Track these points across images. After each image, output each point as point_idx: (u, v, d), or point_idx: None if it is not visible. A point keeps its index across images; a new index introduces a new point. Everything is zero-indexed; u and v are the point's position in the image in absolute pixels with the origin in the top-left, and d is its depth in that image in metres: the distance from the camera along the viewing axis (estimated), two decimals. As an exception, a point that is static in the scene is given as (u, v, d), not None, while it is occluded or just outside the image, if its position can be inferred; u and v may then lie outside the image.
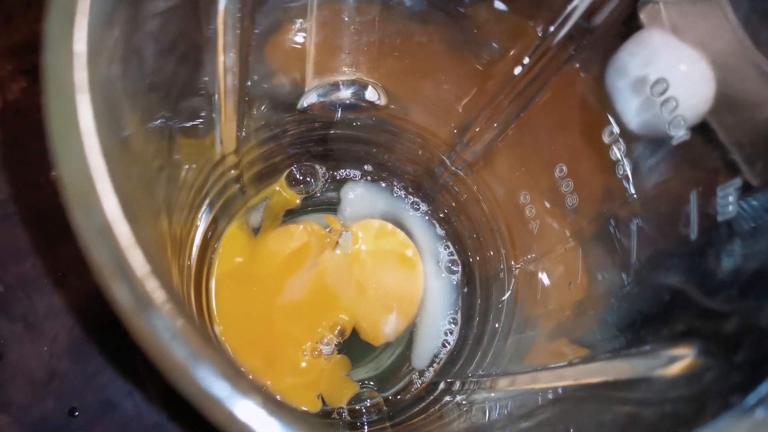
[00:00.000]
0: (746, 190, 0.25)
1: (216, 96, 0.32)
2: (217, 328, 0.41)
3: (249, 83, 0.34)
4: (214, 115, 0.33)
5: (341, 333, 0.43)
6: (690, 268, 0.27)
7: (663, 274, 0.28)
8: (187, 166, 0.34)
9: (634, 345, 0.27)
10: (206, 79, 0.31)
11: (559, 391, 0.29)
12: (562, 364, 0.31)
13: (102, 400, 0.43)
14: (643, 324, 0.28)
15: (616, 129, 0.30)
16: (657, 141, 0.29)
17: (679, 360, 0.23)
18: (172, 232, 0.33)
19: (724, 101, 0.27)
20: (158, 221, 0.30)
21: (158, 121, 0.27)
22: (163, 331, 0.14)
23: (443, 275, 0.45)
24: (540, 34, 0.32)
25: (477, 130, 0.38)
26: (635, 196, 0.30)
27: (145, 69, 0.24)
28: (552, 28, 0.31)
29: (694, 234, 0.27)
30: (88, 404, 0.43)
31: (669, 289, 0.28)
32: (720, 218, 0.25)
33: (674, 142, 0.28)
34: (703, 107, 0.27)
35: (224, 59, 0.30)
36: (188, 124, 0.32)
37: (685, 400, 0.22)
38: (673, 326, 0.26)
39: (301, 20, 0.34)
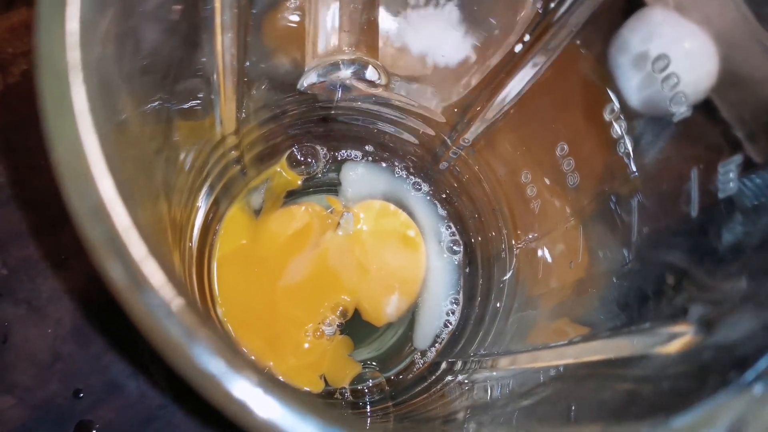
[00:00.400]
0: (748, 167, 0.25)
1: (215, 76, 0.32)
2: (220, 310, 0.41)
3: (248, 63, 0.34)
4: (212, 96, 0.33)
5: (343, 314, 0.43)
6: (691, 246, 0.27)
7: (664, 251, 0.28)
8: (186, 148, 0.34)
9: (635, 323, 0.27)
10: (204, 59, 0.31)
11: (561, 369, 0.29)
12: (562, 342, 0.31)
13: (106, 381, 0.43)
14: (644, 301, 0.28)
15: (617, 106, 0.30)
16: (658, 118, 0.29)
17: (679, 337, 0.23)
18: (172, 215, 0.33)
19: (728, 78, 0.27)
20: (157, 204, 0.30)
21: (155, 103, 0.27)
22: (158, 310, 0.14)
23: (445, 255, 0.45)
24: (540, 11, 0.32)
25: (477, 109, 0.38)
26: (636, 173, 0.30)
27: (141, 49, 0.24)
28: (552, 4, 0.30)
29: (694, 211, 0.27)
30: (92, 386, 0.43)
31: (670, 267, 0.28)
32: (721, 195, 0.25)
33: (675, 119, 0.28)
34: (705, 84, 0.27)
35: (222, 39, 0.30)
36: (187, 106, 0.32)
37: (683, 376, 0.22)
38: (674, 303, 0.26)
39: (299, -1, 0.34)
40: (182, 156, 0.34)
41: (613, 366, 0.26)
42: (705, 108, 0.28)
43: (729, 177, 0.25)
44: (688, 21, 0.28)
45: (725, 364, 0.20)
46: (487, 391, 0.34)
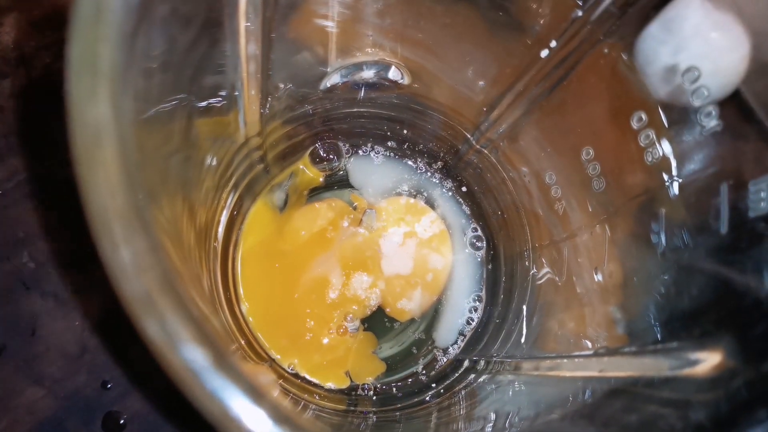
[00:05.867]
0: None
1: (239, 82, 0.32)
2: (244, 307, 0.41)
3: (271, 67, 0.33)
4: (238, 102, 0.33)
5: (367, 309, 0.43)
6: (721, 263, 0.27)
7: (695, 268, 0.28)
8: (212, 153, 0.34)
9: (662, 341, 0.27)
10: (229, 65, 0.31)
11: (586, 383, 0.29)
12: (586, 353, 0.31)
13: (133, 373, 0.43)
14: (673, 320, 0.27)
15: (644, 115, 0.30)
16: (688, 129, 0.29)
17: (706, 361, 0.23)
18: (197, 219, 0.34)
19: (758, 68, 0.26)
20: (183, 211, 0.30)
21: (183, 116, 0.27)
22: (194, 366, 0.14)
23: (467, 251, 0.45)
24: (580, 3, 0.31)
25: (503, 109, 0.37)
26: (665, 184, 0.30)
27: (167, 52, 0.24)
28: (580, 12, 0.30)
29: (724, 228, 0.26)
30: (119, 377, 0.43)
31: (701, 285, 0.27)
32: (752, 214, 0.25)
33: (705, 132, 0.27)
34: (730, 79, 0.27)
35: (246, 44, 0.30)
36: (213, 113, 0.32)
37: (710, 405, 0.22)
38: (703, 325, 0.26)
39: (323, 2, 0.34)
40: (208, 160, 0.34)
41: (640, 385, 0.26)
42: (737, 121, 0.27)
43: (760, 196, 0.25)
44: (717, 11, 0.27)
45: (755, 397, 0.20)
46: (511, 397, 0.34)
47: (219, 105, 0.32)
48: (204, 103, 0.30)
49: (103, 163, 0.15)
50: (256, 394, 0.15)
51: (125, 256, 0.15)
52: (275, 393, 0.26)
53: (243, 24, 0.28)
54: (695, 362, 0.24)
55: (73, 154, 0.16)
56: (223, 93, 0.31)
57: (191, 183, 0.31)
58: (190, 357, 0.15)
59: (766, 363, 0.21)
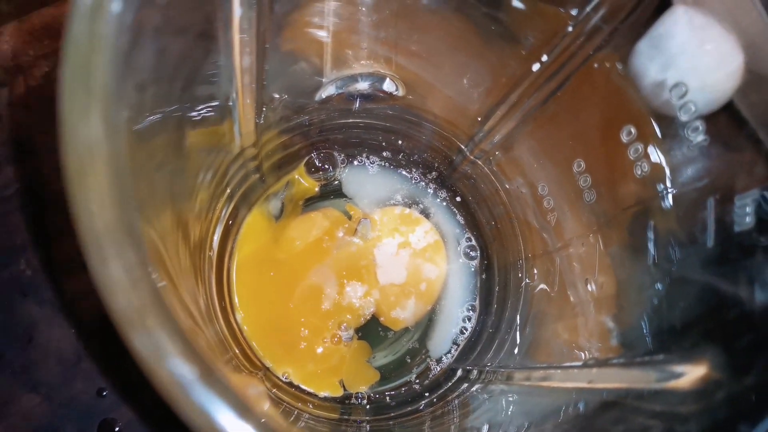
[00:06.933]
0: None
1: (234, 93, 0.33)
2: (238, 316, 0.41)
3: (266, 78, 0.34)
4: (232, 109, 0.34)
5: (361, 318, 0.43)
6: (708, 276, 0.27)
7: (681, 278, 0.28)
8: (207, 164, 0.34)
9: (650, 353, 0.27)
10: (224, 76, 0.31)
11: (578, 394, 0.29)
12: (576, 364, 0.31)
13: (129, 380, 0.44)
14: (660, 332, 0.28)
15: (634, 129, 0.30)
16: (677, 142, 0.29)
17: (690, 374, 0.24)
18: (192, 229, 0.34)
19: (751, 79, 0.27)
20: (176, 221, 0.30)
21: (174, 122, 0.28)
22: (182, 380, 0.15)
23: (461, 261, 0.45)
24: (574, 14, 0.31)
25: (496, 120, 0.38)
26: (656, 197, 0.30)
27: (160, 66, 0.24)
28: (570, 28, 0.30)
29: (710, 241, 0.27)
30: (115, 385, 0.43)
31: (686, 295, 0.28)
32: (737, 228, 0.25)
33: (692, 146, 0.28)
34: (718, 95, 0.27)
35: (241, 56, 0.30)
36: (207, 126, 0.32)
37: (694, 418, 0.22)
38: (691, 335, 0.26)
39: (318, 14, 0.34)
40: (203, 171, 0.34)
41: (630, 398, 0.26)
42: (729, 133, 0.27)
43: (745, 211, 0.25)
44: (711, 23, 0.28)
45: (738, 411, 0.21)
46: (503, 407, 0.34)
47: (213, 116, 0.32)
48: (198, 115, 0.31)
49: (94, 179, 0.16)
50: (243, 409, 0.15)
51: (114, 271, 0.15)
52: (265, 405, 0.26)
53: (237, 36, 0.28)
54: (680, 375, 0.24)
55: (65, 171, 0.16)
56: (217, 104, 0.31)
57: (185, 194, 0.32)
58: (177, 371, 0.15)
59: (750, 376, 0.21)
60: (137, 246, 0.16)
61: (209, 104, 0.32)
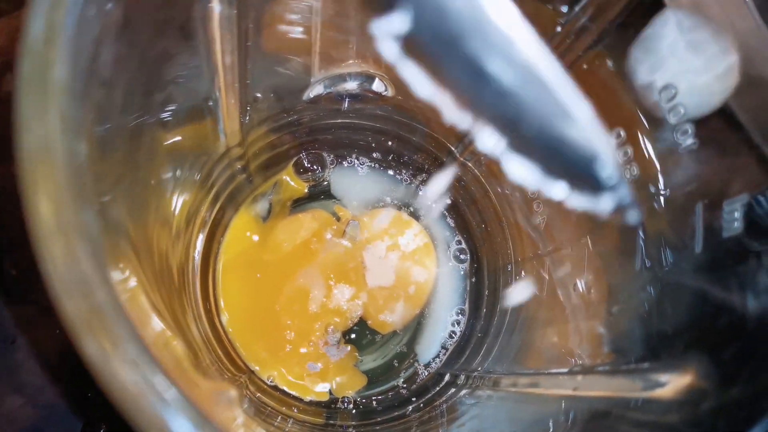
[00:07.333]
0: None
1: (217, 92, 0.32)
2: (224, 318, 0.41)
3: (249, 76, 0.33)
4: (215, 108, 0.33)
5: (349, 321, 0.43)
6: (696, 282, 0.26)
7: (670, 284, 0.28)
8: (189, 161, 0.34)
9: (635, 361, 0.26)
10: (205, 75, 0.30)
11: (565, 402, 0.29)
12: (563, 371, 0.30)
13: (114, 383, 0.43)
14: (646, 340, 0.27)
15: (623, 133, 0.30)
16: (666, 146, 0.28)
17: (674, 383, 0.23)
18: (174, 229, 0.33)
19: (747, 82, 0.26)
20: (154, 221, 0.30)
21: (149, 121, 0.27)
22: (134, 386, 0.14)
23: (451, 264, 0.44)
24: (564, 11, 0.31)
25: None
26: (644, 201, 0.30)
27: (129, 63, 0.24)
28: (559, 28, 0.29)
29: (699, 247, 0.26)
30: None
31: (676, 301, 0.27)
32: (725, 234, 0.25)
33: (682, 150, 0.27)
34: (707, 98, 0.26)
35: (222, 54, 0.30)
36: (187, 118, 0.31)
37: (678, 429, 0.21)
38: (679, 342, 0.25)
39: (302, 11, 0.33)
40: (185, 169, 0.34)
41: (615, 407, 0.26)
42: (714, 141, 0.27)
43: (734, 216, 0.24)
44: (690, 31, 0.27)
45: (722, 423, 0.20)
46: (491, 414, 0.34)
47: (193, 115, 0.32)
48: (176, 114, 0.30)
49: (48, 178, 0.15)
50: (197, 418, 0.15)
51: (65, 275, 0.14)
52: (235, 412, 0.25)
53: (218, 33, 0.28)
54: (665, 384, 0.23)
55: (19, 169, 0.16)
56: (196, 103, 0.31)
57: (162, 194, 0.31)
58: (128, 378, 0.14)
59: (736, 387, 0.21)
60: (91, 248, 0.15)
61: (187, 103, 0.31)
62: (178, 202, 0.34)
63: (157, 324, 0.20)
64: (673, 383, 0.23)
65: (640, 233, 0.30)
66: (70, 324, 0.15)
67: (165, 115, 0.28)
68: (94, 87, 0.19)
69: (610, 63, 0.30)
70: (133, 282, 0.20)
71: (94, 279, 0.15)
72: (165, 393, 0.14)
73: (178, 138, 0.31)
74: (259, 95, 0.36)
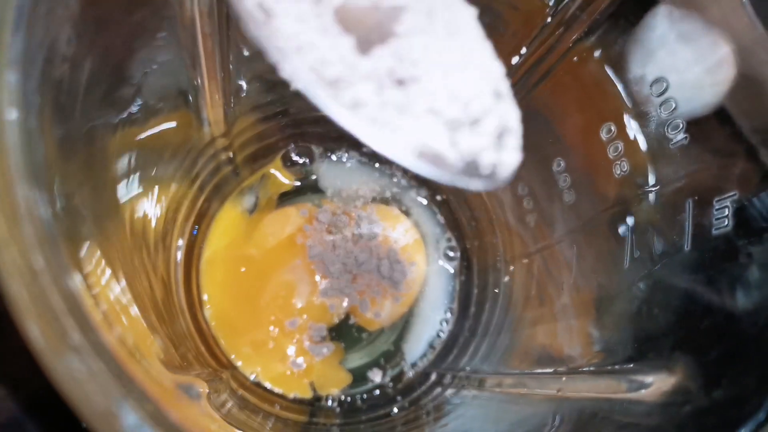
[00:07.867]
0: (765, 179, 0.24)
1: (199, 78, 0.31)
2: (206, 312, 0.40)
3: (232, 64, 0.32)
4: (197, 96, 0.32)
5: (335, 317, 0.42)
6: (684, 280, 0.26)
7: (658, 282, 0.27)
8: (169, 151, 0.33)
9: (620, 362, 0.26)
10: (185, 61, 0.30)
11: (552, 403, 0.28)
12: (547, 371, 0.30)
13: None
14: (632, 340, 0.26)
15: (614, 127, 0.29)
16: (657, 141, 0.28)
17: (657, 385, 0.22)
18: (157, 222, 0.33)
19: (743, 84, 0.25)
20: (128, 212, 0.29)
21: (117, 102, 0.26)
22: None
23: (440, 262, 0.43)
24: (551, 3, 0.30)
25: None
26: (635, 198, 0.29)
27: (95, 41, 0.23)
28: (549, 19, 0.29)
29: (687, 245, 0.25)
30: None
31: (663, 300, 0.27)
32: (715, 232, 0.24)
33: (673, 146, 0.26)
34: (698, 92, 0.26)
35: (203, 41, 0.29)
36: (166, 106, 0.31)
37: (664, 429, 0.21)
38: (666, 342, 0.25)
39: None
40: (165, 158, 0.33)
41: (599, 409, 0.25)
42: (705, 135, 0.26)
43: (724, 213, 0.24)
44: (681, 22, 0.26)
45: (704, 427, 0.19)
46: (477, 415, 0.33)
47: (175, 102, 0.31)
48: (150, 99, 0.29)
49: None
50: (152, 412, 0.14)
51: (7, 257, 0.14)
52: (198, 408, 0.25)
53: (198, 18, 0.27)
54: (649, 385, 0.23)
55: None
56: (175, 89, 0.30)
57: (136, 182, 0.30)
58: (73, 366, 0.13)
59: (719, 390, 0.20)
60: (45, 235, 0.14)
61: (166, 90, 0.30)
62: (156, 193, 0.33)
63: (113, 313, 0.20)
64: (657, 384, 0.23)
65: (629, 231, 0.29)
66: (13, 306, 0.14)
67: (142, 100, 0.28)
68: (56, 62, 0.18)
69: (600, 57, 0.29)
70: (90, 269, 0.19)
71: (41, 265, 0.14)
72: (110, 382, 0.14)
73: (159, 126, 0.31)
74: (243, 83, 0.35)
